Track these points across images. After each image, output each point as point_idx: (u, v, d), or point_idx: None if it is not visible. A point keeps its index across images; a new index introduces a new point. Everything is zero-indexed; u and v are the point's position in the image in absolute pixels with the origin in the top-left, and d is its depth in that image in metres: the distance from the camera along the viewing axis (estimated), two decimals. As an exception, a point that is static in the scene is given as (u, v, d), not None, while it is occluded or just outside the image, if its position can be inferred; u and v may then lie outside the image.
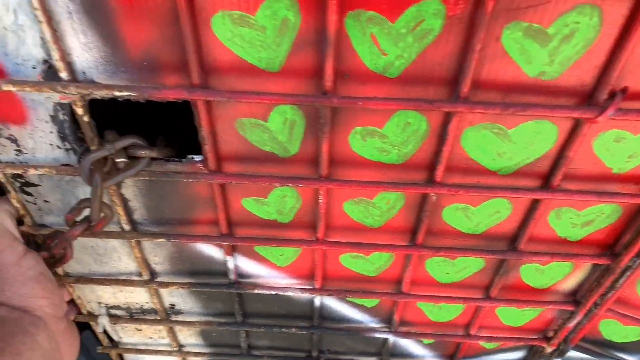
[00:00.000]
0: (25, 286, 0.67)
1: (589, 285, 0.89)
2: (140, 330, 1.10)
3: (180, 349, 1.14)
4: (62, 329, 0.70)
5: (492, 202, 0.75)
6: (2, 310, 0.65)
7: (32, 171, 0.70)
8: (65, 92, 0.59)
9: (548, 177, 0.70)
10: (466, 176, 0.71)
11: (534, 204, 0.74)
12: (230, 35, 0.56)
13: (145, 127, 0.76)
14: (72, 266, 0.91)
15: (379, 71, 0.59)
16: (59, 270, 0.91)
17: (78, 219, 0.72)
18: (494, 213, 0.77)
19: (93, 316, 1.03)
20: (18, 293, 0.67)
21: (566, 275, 0.89)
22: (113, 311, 1.03)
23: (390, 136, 0.66)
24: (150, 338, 1.12)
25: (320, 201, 0.74)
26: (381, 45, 0.57)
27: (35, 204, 0.78)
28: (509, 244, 0.82)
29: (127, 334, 1.11)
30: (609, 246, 0.81)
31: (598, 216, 0.76)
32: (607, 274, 0.83)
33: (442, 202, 0.75)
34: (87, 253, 0.88)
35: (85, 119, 0.63)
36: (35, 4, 0.53)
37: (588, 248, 0.82)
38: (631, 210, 0.75)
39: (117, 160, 0.67)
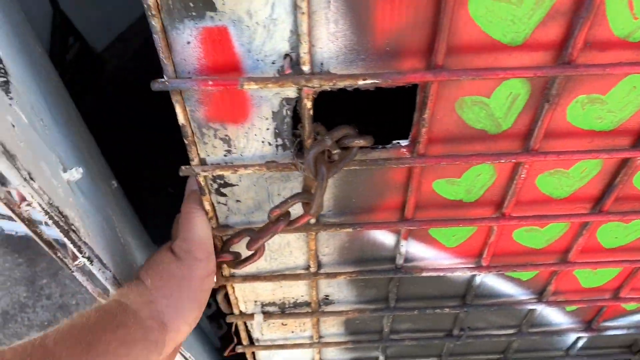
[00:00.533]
0: (189, 305, 0.68)
1: None
2: (285, 325, 1.09)
3: (319, 340, 1.14)
4: (168, 355, 0.70)
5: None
6: (145, 312, 0.64)
7: (241, 171, 0.69)
8: (307, 86, 0.58)
9: None
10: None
11: None
12: (484, 12, 0.55)
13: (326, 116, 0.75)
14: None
15: (622, 36, 0.59)
16: (225, 271, 0.90)
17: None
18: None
19: (247, 315, 1.02)
20: (181, 309, 0.67)
21: None
22: (266, 308, 1.02)
23: (611, 102, 0.66)
24: (292, 332, 1.12)
25: (523, 176, 0.74)
26: (635, 9, 0.56)
27: (226, 204, 0.77)
28: (691, 203, 0.82)
29: (270, 330, 1.10)
30: None
31: None
32: None
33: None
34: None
35: (311, 112, 0.62)
36: (300, -2, 0.51)
37: None
38: None
39: (333, 152, 0.67)
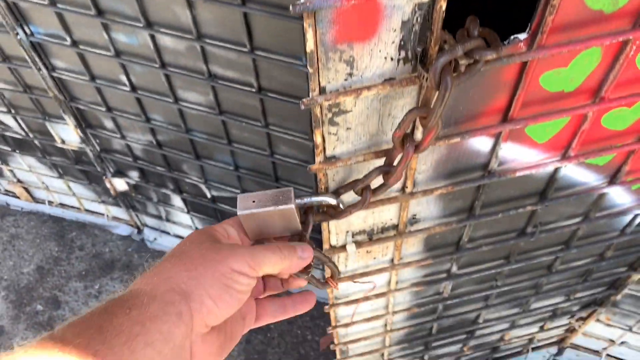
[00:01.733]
0: (215, 286, 0.61)
1: None
2: (370, 252, 1.09)
3: (400, 261, 1.15)
4: (204, 334, 0.61)
5: None
6: (163, 287, 0.59)
7: (363, 93, 0.66)
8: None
9: None
10: None
11: None
12: None
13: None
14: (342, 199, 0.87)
15: None
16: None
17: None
18: None
19: (338, 248, 1.01)
20: (201, 283, 0.60)
21: None
22: (356, 237, 1.01)
23: None
24: (374, 259, 1.12)
25: (631, 54, 0.73)
26: None
27: (336, 134, 0.74)
28: None
29: (354, 260, 1.10)
30: None
31: None
32: None
33: None
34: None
35: (443, 14, 0.59)
36: None
37: None
38: None
39: (461, 62, 0.64)
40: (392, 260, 1.14)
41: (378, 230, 1.01)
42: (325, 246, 1.01)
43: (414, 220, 1.02)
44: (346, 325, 1.37)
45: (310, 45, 0.58)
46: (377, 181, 0.77)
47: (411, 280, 1.27)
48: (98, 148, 2.20)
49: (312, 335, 2.44)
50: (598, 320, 1.94)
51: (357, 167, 0.83)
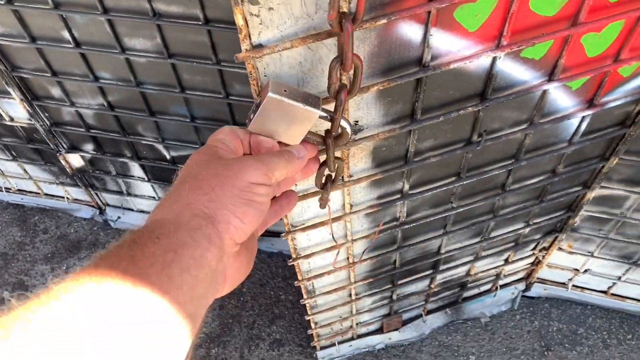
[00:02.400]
0: (238, 204, 0.61)
1: None
2: (317, 167, 1.08)
3: (350, 178, 1.15)
4: (234, 253, 0.62)
5: None
6: (186, 213, 0.58)
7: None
8: None
9: None
10: None
11: None
12: None
13: None
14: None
15: None
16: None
17: None
18: None
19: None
20: (223, 203, 0.60)
21: None
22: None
23: None
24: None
25: None
26: None
27: (258, 16, 0.73)
28: None
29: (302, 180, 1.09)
30: None
31: None
32: None
33: None
34: (292, 74, 0.84)
35: None
36: None
37: None
38: None
39: None
40: (342, 178, 1.14)
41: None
42: (270, 159, 1.00)
43: (357, 127, 1.02)
44: (307, 256, 1.37)
45: None
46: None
47: (365, 202, 1.28)
48: (48, 122, 2.15)
49: (285, 295, 2.44)
50: (560, 249, 1.98)
51: (288, 61, 0.82)
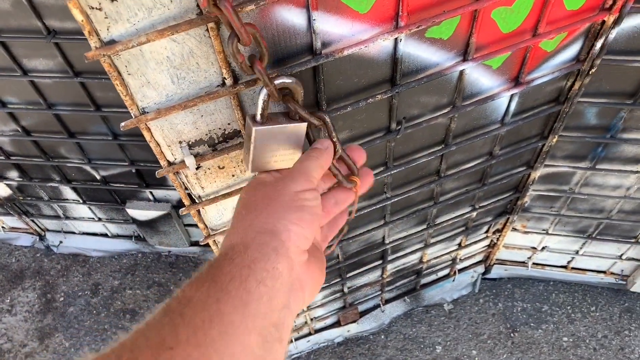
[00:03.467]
0: (291, 212, 0.65)
1: None
2: (222, 168, 1.01)
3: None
4: (303, 261, 0.66)
5: None
6: (250, 233, 0.62)
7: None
8: None
9: None
10: None
11: None
12: None
13: None
14: (148, 95, 0.79)
15: None
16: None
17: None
18: None
19: (178, 165, 0.93)
20: (279, 216, 0.64)
21: None
22: (195, 149, 0.93)
23: None
24: (233, 176, 1.05)
25: None
26: None
27: (100, 9, 0.65)
28: None
29: (209, 179, 1.02)
30: None
31: None
32: None
33: None
34: (162, 71, 0.76)
35: None
36: None
37: None
38: None
39: None
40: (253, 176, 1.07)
41: (219, 138, 0.93)
42: (163, 163, 0.93)
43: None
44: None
45: None
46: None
47: (289, 199, 1.21)
48: None
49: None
50: (514, 229, 1.94)
51: (152, 56, 0.74)
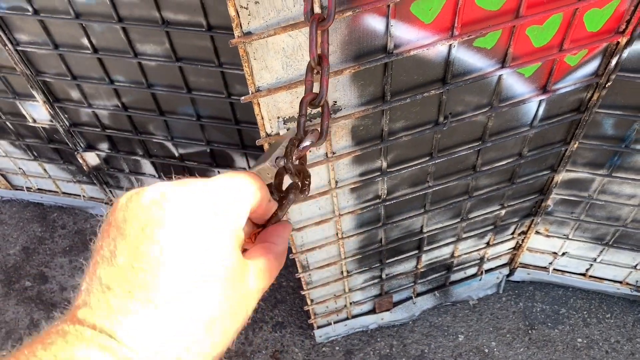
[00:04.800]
0: (237, 319, 0.50)
1: (657, -41, 1.12)
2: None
3: (333, 154, 1.33)
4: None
5: None
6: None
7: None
8: None
9: None
10: None
11: None
12: None
13: None
14: (264, 77, 1.05)
15: None
16: (252, 87, 1.06)
17: None
18: None
19: (274, 136, 1.19)
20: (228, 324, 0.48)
21: (640, -44, 1.12)
22: (287, 124, 1.19)
23: None
24: (310, 152, 1.30)
25: None
26: None
27: (247, 8, 0.92)
28: None
29: (291, 153, 1.27)
30: None
31: None
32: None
33: None
34: (278, 58, 1.03)
35: None
36: None
37: None
38: None
39: None
40: (325, 154, 1.32)
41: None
42: (262, 133, 1.18)
43: (336, 107, 1.20)
44: (300, 229, 1.54)
45: None
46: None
47: (349, 179, 1.46)
48: (67, 123, 2.35)
49: (287, 282, 2.61)
50: (538, 232, 2.14)
51: (273, 47, 1.01)
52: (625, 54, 1.34)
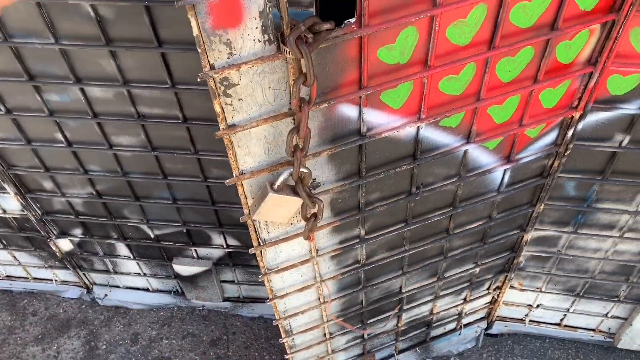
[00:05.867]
0: None
1: (599, 46, 1.25)
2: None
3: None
4: None
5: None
6: None
7: (242, 68, 0.93)
8: (284, -19, 0.82)
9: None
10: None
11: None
12: None
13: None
14: (247, 161, 1.13)
15: None
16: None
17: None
18: (542, 3, 1.09)
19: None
20: None
21: (584, 44, 1.24)
22: (269, 202, 1.26)
23: (481, -42, 0.96)
24: (291, 224, 1.37)
25: (437, 28, 1.03)
26: None
27: (231, 105, 1.00)
28: (550, 29, 1.16)
29: (274, 226, 1.34)
30: (611, 7, 1.17)
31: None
32: (612, 28, 1.20)
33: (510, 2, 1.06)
34: (260, 145, 1.11)
35: (287, 4, 0.87)
36: None
37: (598, 12, 1.17)
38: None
39: (308, 36, 0.91)
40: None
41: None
42: (246, 211, 1.25)
43: (316, 184, 1.28)
44: (282, 296, 1.59)
45: (195, 31, 0.85)
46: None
47: (329, 247, 1.52)
48: (40, 212, 2.33)
49: (269, 355, 2.61)
50: (512, 287, 2.22)
51: (255, 135, 1.09)
52: (580, 126, 1.46)
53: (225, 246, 2.32)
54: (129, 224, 2.29)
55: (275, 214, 1.21)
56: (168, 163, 1.92)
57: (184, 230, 2.26)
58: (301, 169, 1.09)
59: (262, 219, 1.22)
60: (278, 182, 1.13)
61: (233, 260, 2.42)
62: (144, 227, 2.30)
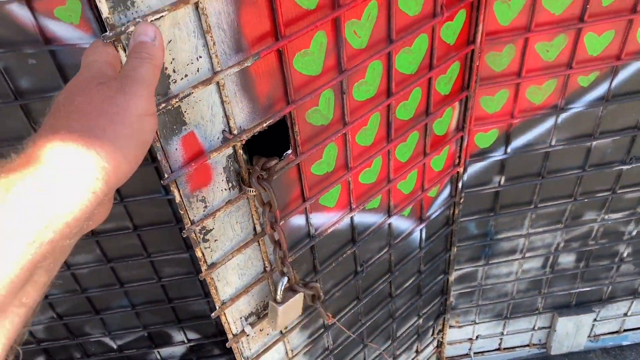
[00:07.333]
0: (128, 142, 0.60)
1: (462, 116, 1.61)
2: (262, 330, 1.47)
3: (285, 332, 1.55)
4: (109, 197, 0.68)
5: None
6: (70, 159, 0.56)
7: (217, 214, 1.10)
8: (238, 140, 1.04)
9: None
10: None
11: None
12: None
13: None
14: (226, 291, 1.28)
15: (358, 49, 1.18)
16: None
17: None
18: (416, 99, 1.42)
19: (239, 335, 1.38)
20: (113, 143, 0.58)
21: (451, 117, 1.59)
22: (249, 320, 1.40)
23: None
24: (268, 335, 1.50)
25: (349, 139, 1.30)
26: None
27: (209, 247, 1.16)
28: (425, 115, 1.48)
29: (254, 341, 1.47)
30: (462, 87, 1.53)
31: (451, 75, 1.47)
32: (467, 102, 1.56)
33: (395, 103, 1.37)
34: (234, 273, 1.26)
35: (244, 156, 1.08)
36: (224, 97, 0.98)
37: (454, 94, 1.53)
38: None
39: (262, 173, 1.12)
40: (280, 331, 1.53)
41: (261, 308, 1.41)
42: (230, 336, 1.37)
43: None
44: (270, 405, 1.68)
45: (177, 198, 1.02)
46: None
47: (302, 344, 1.66)
48: None
49: None
50: (451, 326, 2.48)
51: (231, 265, 1.24)
52: (465, 177, 1.79)
53: (186, 341, 2.37)
54: (92, 340, 2.29)
55: (290, 317, 1.37)
56: (123, 272, 2.01)
57: (145, 334, 2.29)
58: (288, 269, 1.28)
59: (284, 325, 1.39)
60: (279, 295, 1.29)
61: (196, 355, 2.47)
62: (107, 340, 2.30)
